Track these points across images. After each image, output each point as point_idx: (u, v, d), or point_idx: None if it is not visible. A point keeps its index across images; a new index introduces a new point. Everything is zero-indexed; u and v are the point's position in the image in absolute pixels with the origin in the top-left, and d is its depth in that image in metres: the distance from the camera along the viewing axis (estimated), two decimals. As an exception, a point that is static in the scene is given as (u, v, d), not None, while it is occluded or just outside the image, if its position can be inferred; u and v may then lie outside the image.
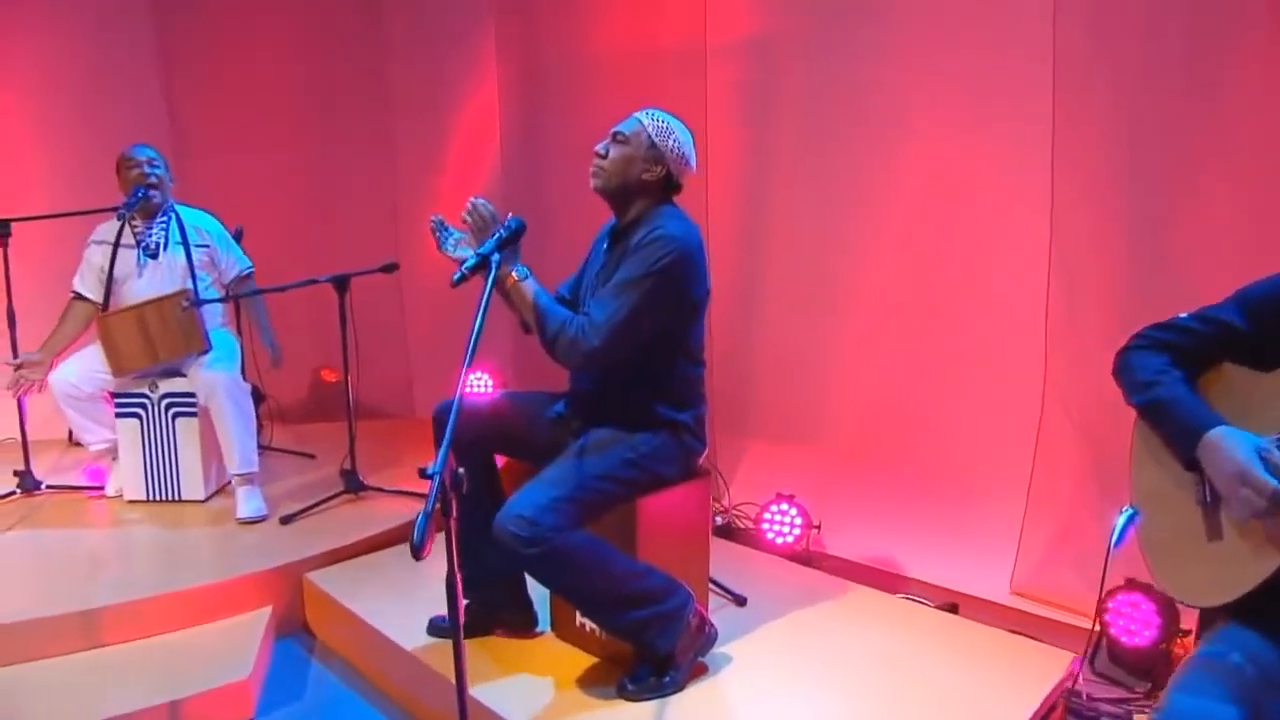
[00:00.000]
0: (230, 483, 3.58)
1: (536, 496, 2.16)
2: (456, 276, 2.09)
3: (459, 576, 1.66)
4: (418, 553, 1.49)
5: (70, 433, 4.20)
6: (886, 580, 3.26)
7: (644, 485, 2.36)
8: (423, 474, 1.58)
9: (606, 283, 2.30)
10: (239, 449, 3.41)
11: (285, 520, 3.39)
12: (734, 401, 3.84)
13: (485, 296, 2.02)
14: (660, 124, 2.36)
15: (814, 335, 3.62)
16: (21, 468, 3.72)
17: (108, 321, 3.45)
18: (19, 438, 3.66)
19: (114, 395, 3.55)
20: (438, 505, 1.59)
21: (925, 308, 3.30)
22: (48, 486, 3.77)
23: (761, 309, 3.79)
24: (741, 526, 3.66)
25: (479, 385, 4.80)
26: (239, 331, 3.93)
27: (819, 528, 3.49)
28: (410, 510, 3.52)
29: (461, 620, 1.67)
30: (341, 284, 3.48)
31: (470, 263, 2.12)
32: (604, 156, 2.37)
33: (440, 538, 1.59)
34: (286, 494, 3.72)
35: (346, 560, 3.18)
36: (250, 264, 3.81)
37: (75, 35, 4.58)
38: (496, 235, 2.21)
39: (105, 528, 3.43)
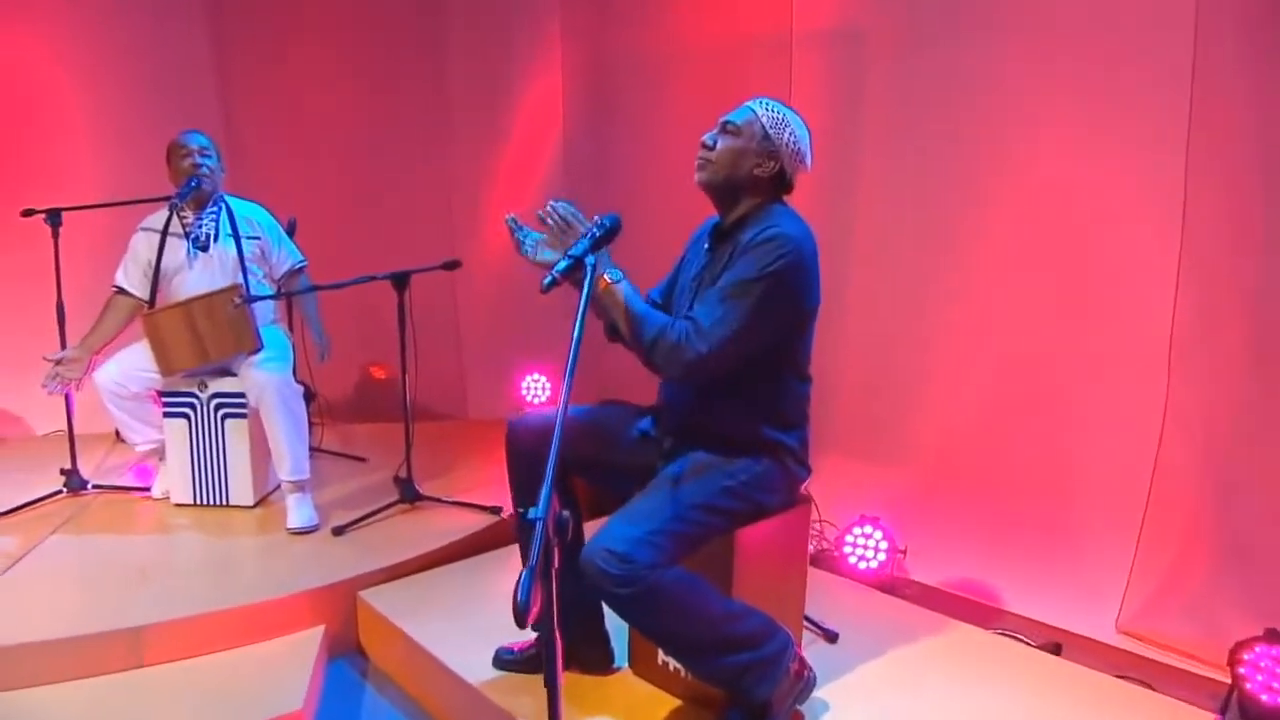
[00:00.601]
0: (279, 487, 3.39)
1: (629, 529, 1.92)
2: (547, 281, 1.86)
3: (558, 642, 1.41)
4: (523, 618, 1.24)
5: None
6: (978, 612, 3.00)
7: (744, 516, 2.12)
8: (523, 519, 1.34)
9: (709, 285, 2.06)
10: (290, 455, 3.21)
11: (338, 531, 3.18)
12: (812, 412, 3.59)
13: (583, 302, 1.80)
14: (775, 115, 2.11)
15: (902, 343, 3.35)
16: (68, 466, 3.55)
17: (155, 318, 3.26)
18: (66, 431, 3.50)
19: (161, 394, 3.37)
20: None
21: (1030, 317, 3.01)
22: (94, 486, 3.60)
23: (843, 313, 3.52)
24: (819, 549, 3.40)
25: (536, 388, 4.58)
26: (290, 327, 3.73)
27: (904, 552, 3.23)
28: (468, 522, 3.30)
29: (560, 689, 1.42)
30: (401, 281, 3.27)
31: (562, 266, 1.89)
32: (711, 148, 2.12)
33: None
34: (337, 501, 3.52)
35: (403, 577, 2.96)
36: (303, 258, 3.61)
37: (130, 23, 4.43)
38: (590, 234, 1.97)
39: (151, 533, 3.25)
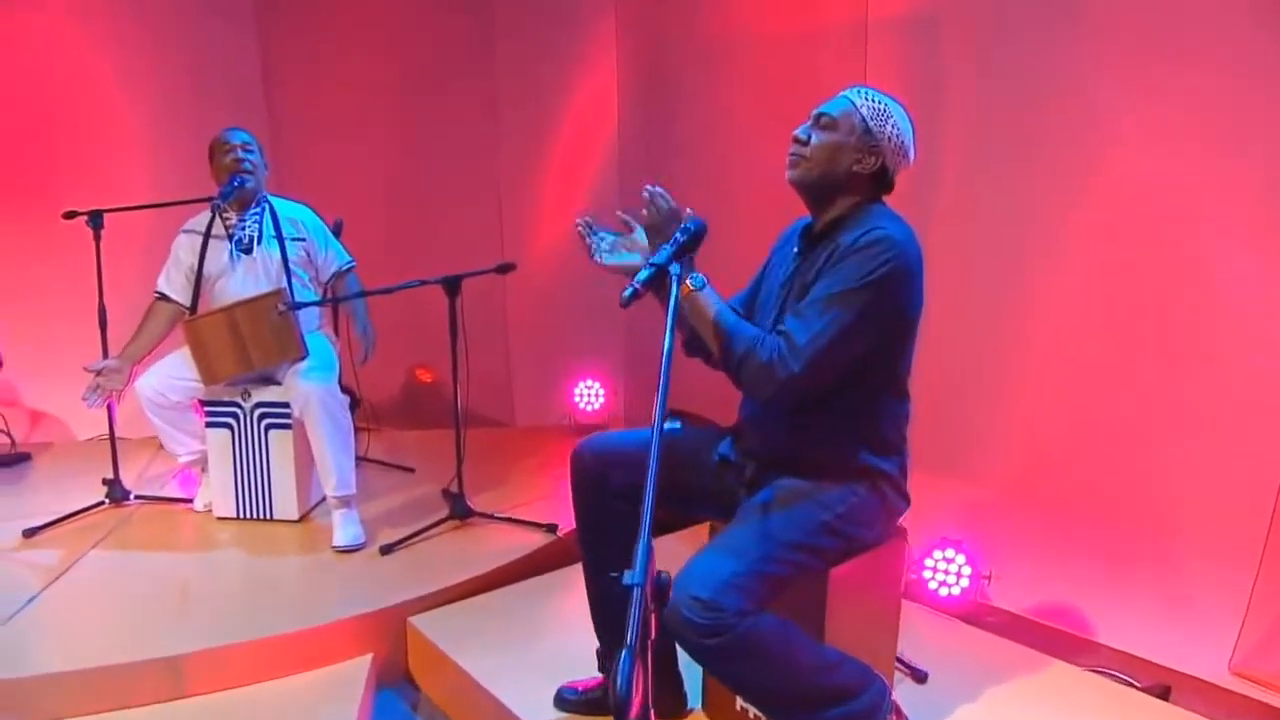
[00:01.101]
0: (324, 500, 3.23)
1: (714, 571, 1.71)
2: (628, 293, 1.65)
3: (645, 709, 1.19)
4: (624, 712, 1.02)
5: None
6: (1070, 645, 2.75)
7: (838, 554, 1.90)
8: (619, 584, 1.13)
9: (801, 293, 1.85)
10: (336, 469, 3.04)
11: (385, 550, 3.01)
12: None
13: (670, 316, 1.59)
14: (876, 106, 1.89)
15: (986, 349, 3.10)
16: (110, 475, 3.42)
17: (196, 325, 3.11)
18: (108, 436, 3.39)
19: (204, 404, 3.21)
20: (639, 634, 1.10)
21: (1131, 321, 2.75)
22: (136, 497, 3.47)
23: (922, 317, 3.27)
24: (895, 572, 3.17)
25: (589, 395, 4.38)
26: (336, 330, 3.56)
27: (989, 578, 2.98)
28: (523, 541, 3.11)
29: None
30: (453, 286, 3.08)
31: (644, 275, 1.68)
32: (805, 142, 1.90)
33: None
34: (384, 515, 3.35)
35: (456, 602, 2.77)
36: (351, 259, 3.44)
37: (175, 21, 4.32)
38: (674, 241, 1.76)
39: (193, 550, 3.10)
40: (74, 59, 4.23)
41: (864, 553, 1.95)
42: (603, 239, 2.02)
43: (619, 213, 2.07)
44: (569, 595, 2.89)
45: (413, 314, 3.81)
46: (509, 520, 3.24)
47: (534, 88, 4.46)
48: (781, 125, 3.56)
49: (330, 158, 4.35)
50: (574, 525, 2.19)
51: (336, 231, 3.56)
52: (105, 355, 3.29)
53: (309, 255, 3.30)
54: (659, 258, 1.72)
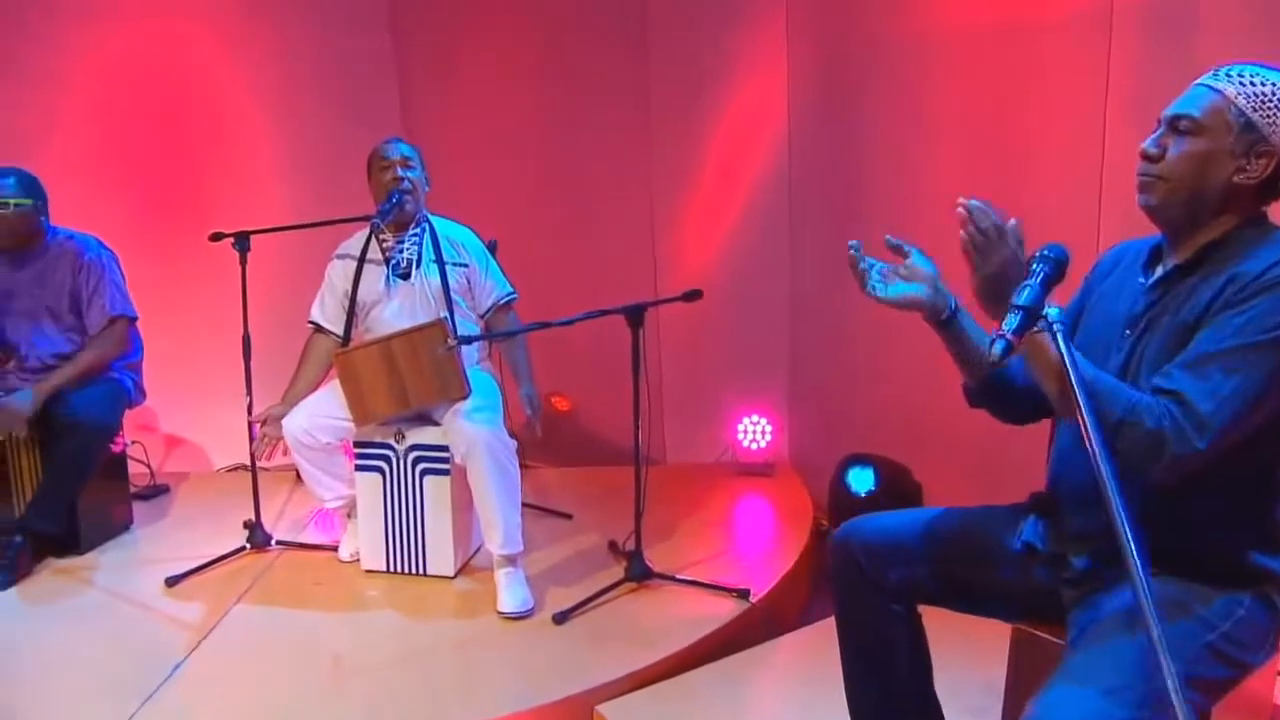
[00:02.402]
0: (478, 550, 2.86)
1: (1083, 714, 1.24)
2: (1000, 347, 1.24)
3: None
4: None
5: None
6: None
7: (1225, 686, 1.40)
8: None
9: (1178, 338, 1.38)
10: (503, 524, 2.66)
11: (559, 619, 2.60)
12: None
13: (1073, 377, 1.15)
14: (1260, 89, 1.39)
15: None
16: (252, 517, 3.13)
17: (349, 357, 2.78)
18: (250, 474, 3.10)
19: (355, 445, 2.89)
20: None
21: None
22: (278, 542, 3.16)
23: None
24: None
25: (754, 432, 3.93)
26: (499, 370, 3.19)
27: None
28: (713, 610, 2.66)
29: None
30: (636, 316, 2.68)
31: (1014, 323, 1.24)
32: (1158, 158, 1.42)
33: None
34: (548, 572, 2.95)
35: (646, 686, 2.35)
36: (513, 290, 3.06)
37: (311, 35, 4.11)
38: (1040, 275, 1.31)
39: (341, 609, 2.76)
40: (208, 71, 4.06)
41: (1242, 681, 1.45)
42: (873, 264, 1.59)
43: (888, 237, 1.63)
44: (776, 677, 2.49)
45: (545, 335, 3.41)
46: (693, 584, 2.80)
47: (689, 99, 4.03)
48: (993, 130, 3.02)
49: (467, 179, 4.02)
50: (835, 625, 1.76)
51: (490, 252, 3.20)
52: (248, 386, 3.01)
53: (469, 282, 2.94)
54: (1026, 298, 1.27)
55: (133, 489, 3.55)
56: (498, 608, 2.64)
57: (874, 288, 1.58)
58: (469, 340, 2.71)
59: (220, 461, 4.29)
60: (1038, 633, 1.66)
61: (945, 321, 1.58)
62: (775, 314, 4.11)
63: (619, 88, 4.05)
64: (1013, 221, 1.40)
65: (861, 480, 3.29)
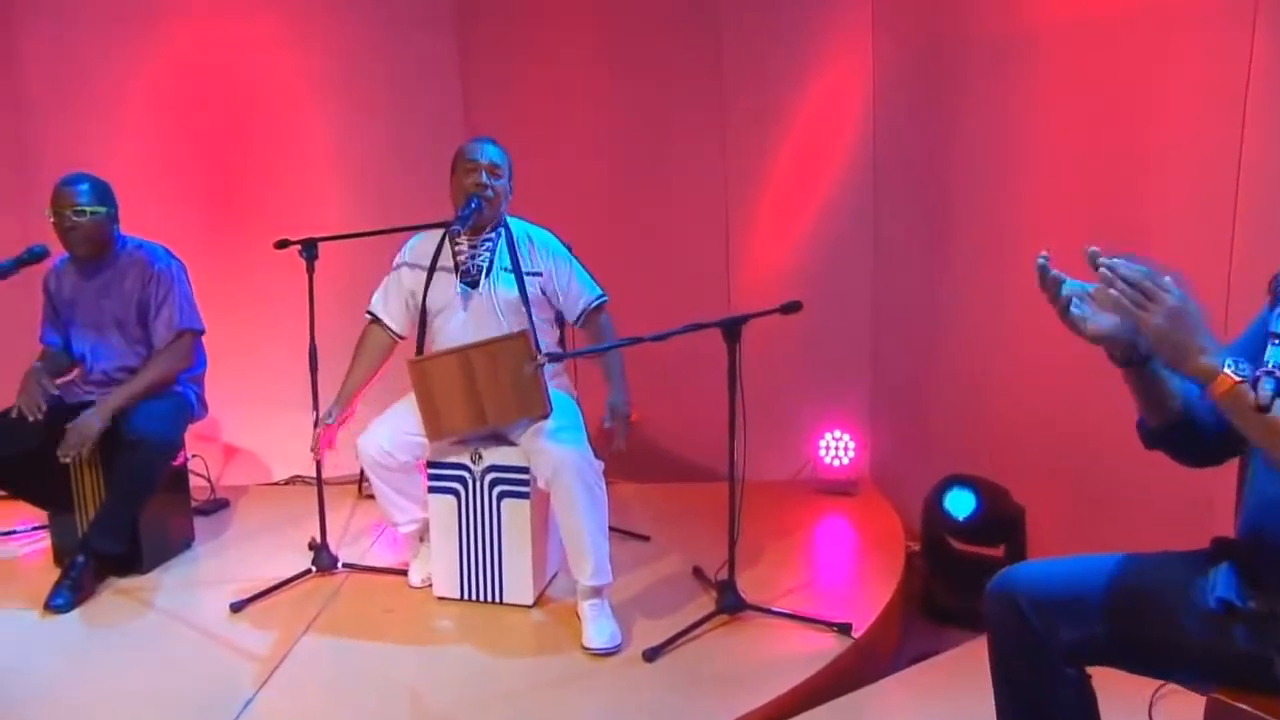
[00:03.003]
0: (555, 577, 2.68)
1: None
2: (1270, 387, 1.00)
3: None
4: None
5: (361, 477, 3.50)
6: None
7: None
8: None
9: None
10: (592, 553, 2.47)
11: (650, 655, 2.40)
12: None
13: None
14: None
15: None
16: (317, 537, 2.97)
17: (424, 367, 2.60)
18: (316, 491, 2.94)
19: (428, 465, 2.71)
20: None
21: None
22: (344, 565, 3.00)
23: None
24: None
25: (837, 448, 3.70)
26: (574, 382, 2.99)
27: None
28: (813, 646, 2.45)
29: None
30: (733, 330, 2.48)
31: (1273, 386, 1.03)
32: None
33: None
34: (632, 601, 2.74)
35: (751, 735, 2.14)
36: (602, 291, 2.85)
37: (374, 35, 3.95)
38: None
39: (415, 641, 2.58)
40: (269, 70, 3.92)
41: None
42: (1073, 285, 1.36)
43: (1092, 250, 1.35)
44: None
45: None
46: (790, 617, 2.59)
47: (765, 90, 3.80)
48: (1107, 132, 2.72)
49: (533, 180, 3.84)
50: (993, 685, 1.54)
51: (565, 259, 3.01)
52: (315, 401, 2.85)
53: (544, 291, 2.75)
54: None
55: (193, 503, 3.42)
56: (584, 643, 2.45)
57: (1079, 319, 1.35)
58: (557, 358, 2.52)
59: (280, 472, 4.14)
60: (1239, 705, 1.42)
61: (1143, 358, 1.36)
62: (856, 321, 3.87)
63: (691, 80, 3.84)
64: (1171, 276, 1.20)
65: (961, 504, 3.04)
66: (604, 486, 2.53)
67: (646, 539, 3.23)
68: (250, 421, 4.09)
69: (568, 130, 3.94)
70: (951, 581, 2.99)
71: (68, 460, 2.76)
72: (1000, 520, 3.01)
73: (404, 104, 3.96)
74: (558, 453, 2.45)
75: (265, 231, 2.86)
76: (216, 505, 3.63)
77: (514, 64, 4.02)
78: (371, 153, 3.95)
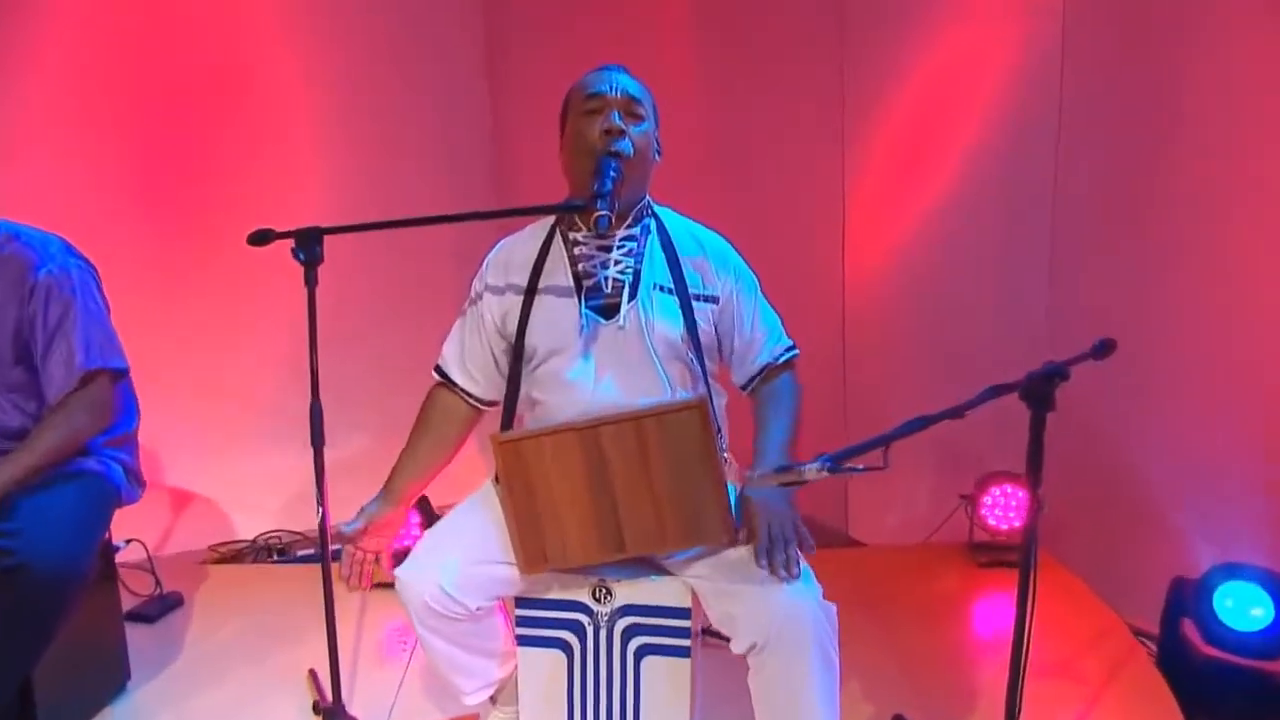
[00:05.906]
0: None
1: None
2: None
3: None
4: None
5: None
6: None
7: None
8: None
9: None
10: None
11: None
12: None
13: None
14: None
15: None
16: (325, 687, 1.83)
17: (521, 449, 1.47)
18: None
19: (518, 604, 1.59)
20: None
21: None
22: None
23: None
24: None
25: (1004, 505, 2.65)
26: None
27: None
28: None
29: None
30: (1041, 393, 1.40)
31: None
32: None
33: None
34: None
35: None
36: (791, 342, 1.68)
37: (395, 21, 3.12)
38: None
39: None
40: (272, 53, 3.00)
41: None
42: None
43: None
44: None
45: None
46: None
47: (895, 43, 2.76)
48: None
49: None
50: None
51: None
52: (319, 485, 1.65)
53: (718, 330, 1.62)
54: None
55: (128, 608, 2.26)
56: None
57: None
58: (790, 477, 1.32)
59: (246, 527, 3.04)
60: None
61: None
62: (1016, 338, 2.84)
63: (802, 39, 2.84)
64: None
65: (1248, 604, 2.05)
66: (837, 646, 1.43)
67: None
68: (206, 461, 3.03)
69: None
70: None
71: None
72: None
73: (419, 95, 3.13)
74: (782, 603, 1.35)
75: (227, 225, 1.90)
76: (164, 606, 2.44)
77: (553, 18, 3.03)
78: (386, 149, 3.07)
